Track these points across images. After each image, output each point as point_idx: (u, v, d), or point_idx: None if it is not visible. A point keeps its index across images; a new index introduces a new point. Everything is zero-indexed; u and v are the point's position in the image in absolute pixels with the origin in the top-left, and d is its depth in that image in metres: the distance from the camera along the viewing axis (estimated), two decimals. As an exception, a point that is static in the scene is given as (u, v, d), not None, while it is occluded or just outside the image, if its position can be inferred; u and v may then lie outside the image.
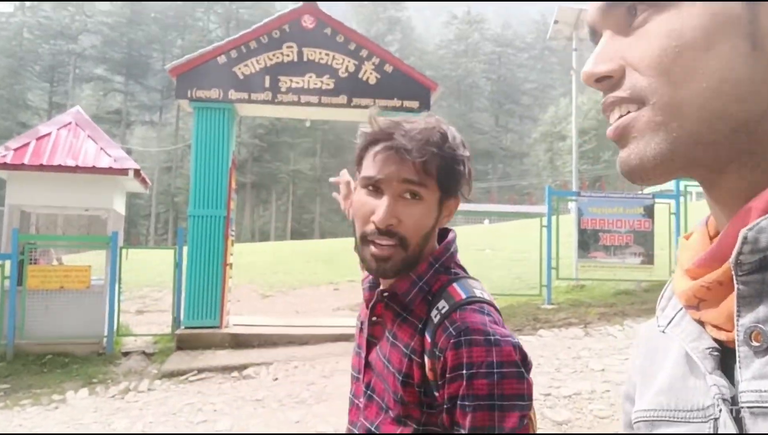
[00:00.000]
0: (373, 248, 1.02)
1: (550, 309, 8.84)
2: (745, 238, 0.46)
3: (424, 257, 1.07)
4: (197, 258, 8.43)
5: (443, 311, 0.99)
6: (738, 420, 0.46)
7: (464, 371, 0.92)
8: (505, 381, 0.92)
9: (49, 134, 8.80)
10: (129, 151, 31.49)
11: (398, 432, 1.01)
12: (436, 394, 0.98)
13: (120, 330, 8.46)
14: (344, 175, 1.60)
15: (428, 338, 0.99)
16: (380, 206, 1.01)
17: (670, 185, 10.52)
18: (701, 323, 0.53)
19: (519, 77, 69.65)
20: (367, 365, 1.11)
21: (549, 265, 9.30)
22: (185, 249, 8.56)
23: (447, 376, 0.94)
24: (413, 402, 1.00)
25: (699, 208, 14.39)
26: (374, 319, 1.12)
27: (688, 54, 0.47)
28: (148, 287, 13.71)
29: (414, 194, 1.02)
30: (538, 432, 1.13)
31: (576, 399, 4.98)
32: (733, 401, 0.47)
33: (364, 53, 9.01)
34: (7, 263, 7.78)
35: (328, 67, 8.93)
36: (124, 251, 8.48)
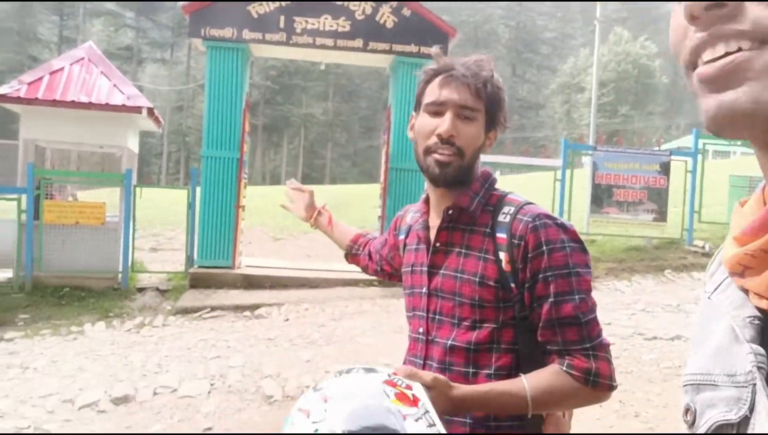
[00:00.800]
0: (436, 156, 1.20)
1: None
2: None
3: (475, 177, 1.27)
4: (210, 199, 8.49)
5: (511, 212, 1.20)
6: None
7: (544, 248, 1.13)
8: (575, 253, 1.15)
9: (62, 69, 8.72)
10: (140, 90, 31.27)
11: (474, 337, 1.17)
12: (512, 285, 1.16)
13: (135, 266, 8.63)
14: (304, 193, 1.80)
15: (501, 235, 1.18)
16: (444, 122, 1.20)
17: (687, 142, 10.34)
18: (745, 291, 0.53)
19: (539, 25, 67.57)
20: (431, 295, 1.25)
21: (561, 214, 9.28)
22: (198, 190, 8.61)
23: (530, 255, 1.14)
24: (490, 301, 1.17)
25: (716, 167, 14.17)
26: (438, 245, 1.26)
27: None
28: (161, 226, 13.88)
29: (468, 115, 1.21)
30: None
31: (581, 350, 5.07)
32: None
33: (382, -5, 8.74)
34: (23, 197, 7.88)
35: (345, 9, 8.70)
36: (137, 190, 8.55)
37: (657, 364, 4.88)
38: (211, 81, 8.58)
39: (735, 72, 0.44)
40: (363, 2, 8.70)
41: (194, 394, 4.35)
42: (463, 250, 1.22)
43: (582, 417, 3.95)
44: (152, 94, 42.97)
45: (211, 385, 4.51)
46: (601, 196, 9.26)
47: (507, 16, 65.00)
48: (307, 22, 8.67)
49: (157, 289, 8.18)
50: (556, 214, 1.19)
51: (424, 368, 1.21)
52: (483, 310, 1.17)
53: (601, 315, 4.67)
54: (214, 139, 8.53)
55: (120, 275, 8.17)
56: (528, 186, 18.50)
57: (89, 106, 8.32)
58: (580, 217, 9.58)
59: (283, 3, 8.60)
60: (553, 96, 56.32)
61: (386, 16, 8.76)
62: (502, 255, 1.17)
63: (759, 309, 0.51)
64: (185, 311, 7.14)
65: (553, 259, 1.12)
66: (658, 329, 5.74)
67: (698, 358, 0.57)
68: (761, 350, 0.49)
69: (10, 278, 7.90)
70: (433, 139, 1.21)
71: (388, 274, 1.61)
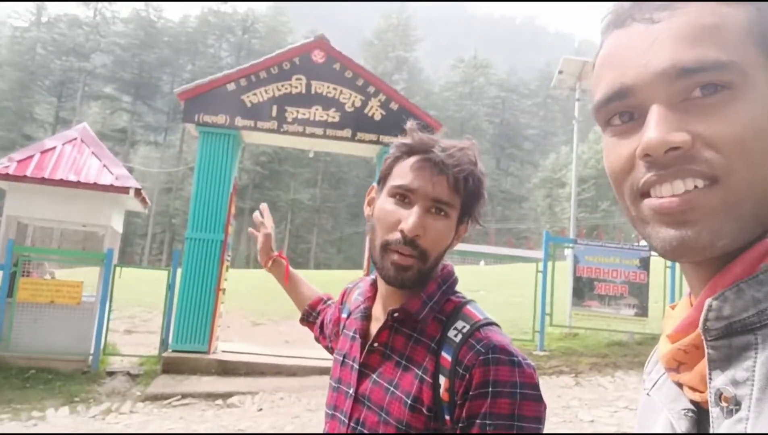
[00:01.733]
0: (395, 256, 1.03)
1: (542, 356, 8.77)
2: (710, 306, 0.50)
3: (431, 277, 1.09)
4: (191, 281, 8.39)
5: (464, 330, 1.01)
6: None
7: (490, 389, 0.94)
8: (526, 402, 0.94)
9: (53, 148, 8.86)
10: (131, 170, 31.66)
11: None
12: (447, 417, 0.97)
13: (107, 349, 8.36)
14: (265, 226, 1.61)
15: (446, 356, 1.00)
16: (411, 216, 1.02)
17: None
18: (680, 386, 0.56)
19: (522, 123, 70.56)
20: (357, 399, 1.07)
21: (543, 311, 9.27)
22: (179, 271, 8.53)
23: (471, 393, 0.95)
24: (419, 429, 0.99)
25: (694, 264, 14.39)
26: (375, 345, 1.09)
27: (764, 138, 0.49)
28: (138, 307, 13.58)
29: (440, 210, 1.04)
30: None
31: (564, 449, 4.90)
32: None
33: (371, 90, 9.16)
34: (0, 273, 7.74)
35: (335, 101, 9.07)
36: (117, 269, 8.44)
37: (642, 466, 4.72)
38: (201, 164, 8.74)
39: (693, 209, 0.50)
40: (353, 94, 9.10)
41: (156, 488, 4.09)
42: (403, 361, 1.05)
43: None
44: (142, 175, 43.48)
45: (176, 479, 4.26)
46: (583, 289, 9.31)
47: (491, 113, 67.95)
48: (298, 111, 9.00)
49: (128, 373, 7.88)
50: (514, 350, 0.99)
51: None
52: None
53: (583, 412, 4.59)
54: (200, 221, 8.57)
55: (91, 358, 7.89)
56: (511, 276, 18.57)
57: (77, 184, 8.38)
58: (561, 310, 9.56)
59: (276, 93, 8.96)
60: (535, 190, 57.87)
61: (375, 108, 9.13)
62: (442, 380, 0.99)
63: (693, 402, 0.54)
64: (155, 398, 6.85)
65: (498, 405, 0.93)
66: (643, 428, 5.60)
67: None
68: None
69: (-25, 358, 7.59)
70: (395, 236, 1.03)
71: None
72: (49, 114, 53.98)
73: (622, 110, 0.55)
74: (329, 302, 1.50)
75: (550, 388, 7.32)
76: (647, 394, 0.63)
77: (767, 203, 0.50)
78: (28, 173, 8.28)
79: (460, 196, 1.05)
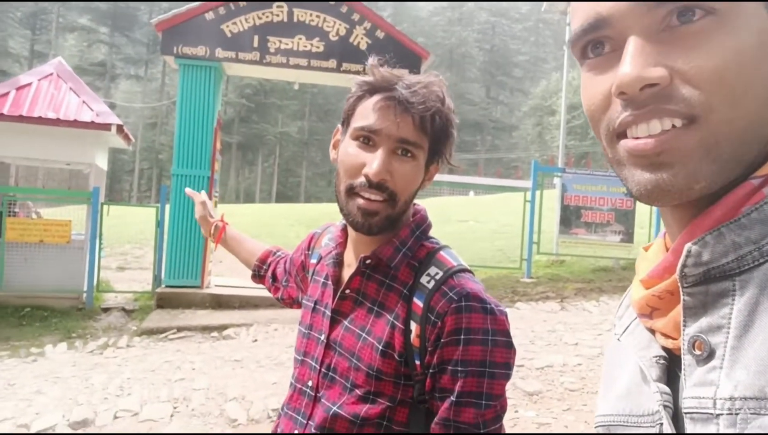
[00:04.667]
0: (360, 201, 0.99)
1: (529, 282, 8.98)
2: (689, 251, 0.48)
3: (404, 222, 1.07)
4: (180, 217, 8.39)
5: (437, 277, 1.00)
6: (680, 425, 0.48)
7: (462, 336, 0.94)
8: (497, 349, 0.95)
9: (29, 84, 8.59)
10: (113, 106, 30.85)
11: (363, 411, 0.99)
12: (417, 362, 0.98)
13: (100, 286, 8.45)
14: (198, 195, 1.61)
15: (419, 303, 0.99)
16: (375, 159, 0.98)
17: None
18: (653, 332, 0.55)
19: (512, 49, 69.01)
20: (329, 345, 1.07)
21: (530, 239, 9.41)
22: (168, 208, 8.51)
23: (443, 340, 0.95)
24: (389, 374, 0.99)
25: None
26: (347, 292, 1.08)
27: (746, 73, 0.45)
28: (129, 244, 13.63)
29: (407, 151, 1.00)
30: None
31: (548, 371, 5.10)
32: (678, 407, 0.49)
33: (355, 17, 8.85)
34: (-15, 215, 7.69)
35: (319, 30, 8.77)
36: (105, 207, 8.40)
37: (622, 385, 4.94)
38: (183, 99, 8.53)
39: (669, 150, 0.46)
40: (337, 23, 8.79)
41: (156, 417, 4.24)
42: (375, 308, 1.03)
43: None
44: (125, 111, 42.54)
45: (174, 408, 4.41)
46: (570, 218, 9.42)
47: (481, 39, 66.25)
48: (280, 42, 8.71)
49: (123, 309, 8.01)
50: (487, 297, 0.99)
51: (304, 430, 1.06)
52: (380, 383, 0.99)
53: (568, 335, 4.73)
54: (185, 157, 8.46)
55: (84, 295, 7.98)
56: (500, 206, 18.73)
57: (57, 122, 8.19)
58: (549, 238, 9.71)
59: (257, 22, 8.64)
60: (525, 118, 57.35)
61: (360, 37, 8.86)
62: (414, 326, 0.98)
63: (665, 349, 0.53)
64: (151, 332, 7.00)
65: (469, 352, 0.93)
66: (624, 349, 5.82)
67: (608, 400, 0.58)
68: (667, 389, 0.51)
69: (-31, 298, 7.67)
70: (360, 179, 0.99)
71: (293, 300, 1.38)
72: (24, 48, 52.04)
73: (598, 42, 0.51)
74: (279, 254, 1.47)
75: (536, 313, 7.54)
76: (618, 339, 0.62)
77: (748, 142, 0.47)
78: (5, 111, 8.06)
79: (427, 135, 1.00)
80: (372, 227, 1.01)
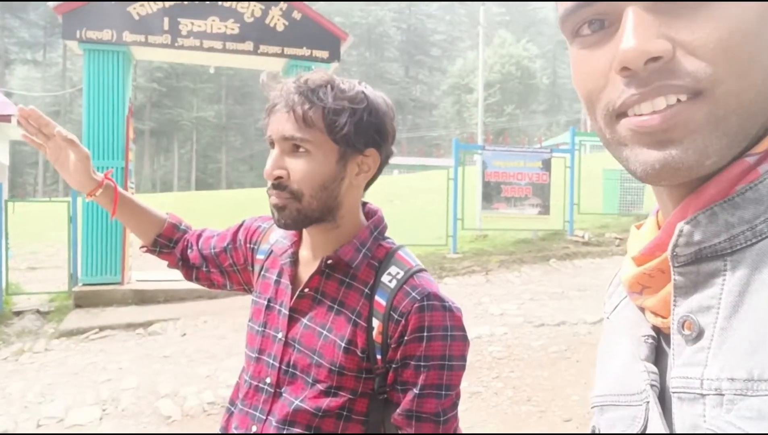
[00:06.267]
0: (272, 198, 1.05)
1: (455, 258, 9.25)
2: (681, 231, 0.47)
3: (352, 221, 1.11)
4: (94, 211, 7.96)
5: (398, 276, 1.06)
6: (667, 404, 0.48)
7: (425, 333, 1.02)
8: (455, 343, 1.04)
9: None
10: (9, 95, 28.56)
11: (325, 404, 1.04)
12: (378, 357, 1.04)
13: (10, 288, 7.91)
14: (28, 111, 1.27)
15: (380, 301, 1.05)
16: (267, 162, 1.04)
17: (566, 138, 11.09)
18: (642, 310, 0.54)
19: (428, 28, 69.69)
20: (287, 344, 1.10)
21: (455, 216, 9.67)
22: (79, 201, 8.06)
23: (406, 337, 1.02)
24: (352, 369, 1.04)
25: (592, 160, 15.39)
26: (306, 290, 1.11)
27: (752, 41, 0.43)
28: (39, 242, 12.81)
29: (297, 147, 1.03)
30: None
31: (477, 342, 5.32)
32: (665, 386, 0.49)
33: (271, -2, 8.64)
34: None
35: (233, 11, 8.50)
36: (9, 205, 7.84)
37: (545, 350, 5.23)
38: (90, 87, 8.05)
39: (677, 125, 0.44)
40: (251, 4, 8.55)
41: (84, 422, 4.08)
42: (336, 306, 1.08)
43: (478, 405, 4.17)
44: (24, 100, 39.53)
45: (103, 410, 4.26)
46: (491, 193, 9.75)
47: (398, 18, 66.45)
48: (193, 24, 8.38)
49: (38, 311, 7.55)
50: (444, 295, 1.07)
51: (263, 425, 1.09)
52: (342, 378, 1.04)
53: (494, 306, 4.94)
54: (96, 148, 8.01)
55: (-8, 299, 7.45)
56: (424, 184, 19.09)
57: (-53, 114, 7.53)
58: (472, 214, 10.02)
59: (167, 4, 8.25)
60: (444, 96, 58.36)
61: (276, 19, 8.66)
62: (376, 323, 1.04)
63: (654, 328, 0.53)
64: (70, 333, 6.65)
65: (431, 347, 1.02)
66: (546, 316, 6.15)
67: (603, 380, 0.59)
68: (653, 368, 0.51)
69: None
70: (268, 182, 1.06)
71: (213, 284, 1.35)
72: None
73: (592, 17, 0.47)
74: (183, 226, 1.39)
75: (463, 287, 7.80)
76: (607, 317, 0.61)
77: (754, 115, 0.45)
78: None
79: (316, 128, 1.01)
80: (286, 221, 1.05)
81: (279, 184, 1.04)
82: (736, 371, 0.41)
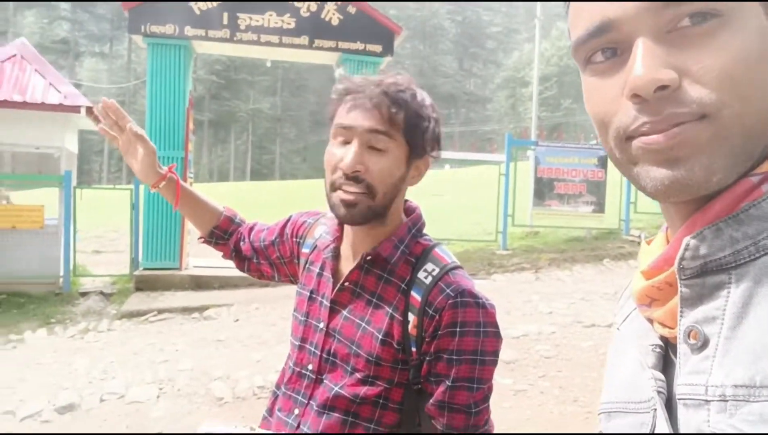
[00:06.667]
0: (341, 193, 1.06)
1: (505, 254, 9.17)
2: (687, 245, 0.49)
3: (395, 219, 1.15)
4: (155, 199, 8.31)
5: (434, 273, 1.09)
6: (674, 411, 0.50)
7: (458, 329, 1.05)
8: (488, 339, 1.07)
9: (-8, 67, 8.35)
10: (78, 86, 29.99)
11: (363, 392, 1.09)
12: (414, 349, 1.08)
13: (77, 270, 8.38)
14: (109, 103, 1.32)
15: (416, 296, 1.09)
16: (348, 153, 1.05)
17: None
18: (651, 322, 0.57)
19: (484, 20, 68.66)
20: (328, 333, 1.15)
21: (505, 212, 9.57)
22: (141, 189, 8.43)
23: (440, 332, 1.05)
24: (388, 360, 1.09)
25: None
26: (346, 284, 1.15)
27: (753, 69, 0.47)
28: (104, 227, 13.47)
29: (380, 145, 1.06)
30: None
31: (524, 340, 5.28)
32: (672, 394, 0.51)
33: (326, -8, 8.75)
34: (-46, 202, 7.53)
35: (289, 6, 8.67)
36: (78, 191, 8.29)
37: (595, 351, 5.14)
38: (153, 79, 8.39)
39: (683, 143, 0.47)
40: (308, 0, 8.69)
41: (143, 399, 4.30)
42: (374, 300, 1.12)
43: (523, 403, 4.15)
44: (92, 91, 41.39)
45: (160, 389, 4.47)
46: (543, 190, 9.59)
47: (453, 11, 65.73)
48: (251, 18, 8.59)
49: (101, 292, 7.97)
50: (478, 292, 1.09)
51: (305, 409, 1.15)
52: (378, 368, 1.09)
53: (543, 304, 4.89)
54: (157, 139, 8.35)
55: (61, 280, 7.92)
56: (475, 179, 18.91)
57: (23, 105, 8.00)
58: (523, 210, 9.88)
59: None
60: (499, 90, 57.48)
61: (331, 13, 8.78)
62: (411, 317, 1.08)
63: (662, 338, 0.56)
64: (131, 315, 7.00)
65: (464, 342, 1.05)
66: (596, 317, 6.03)
67: (611, 388, 0.61)
68: (661, 376, 0.53)
69: (-58, 287, 7.54)
70: (338, 174, 1.06)
71: (262, 274, 1.42)
72: (-19, 26, 49.99)
73: (605, 45, 0.50)
74: (237, 220, 1.46)
75: (512, 284, 7.73)
76: (617, 328, 0.64)
77: (756, 137, 0.48)
78: (-31, 95, 7.85)
79: (397, 128, 1.06)
80: (354, 217, 1.08)
81: (356, 178, 1.05)
82: (739, 378, 0.43)
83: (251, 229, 1.44)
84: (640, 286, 0.55)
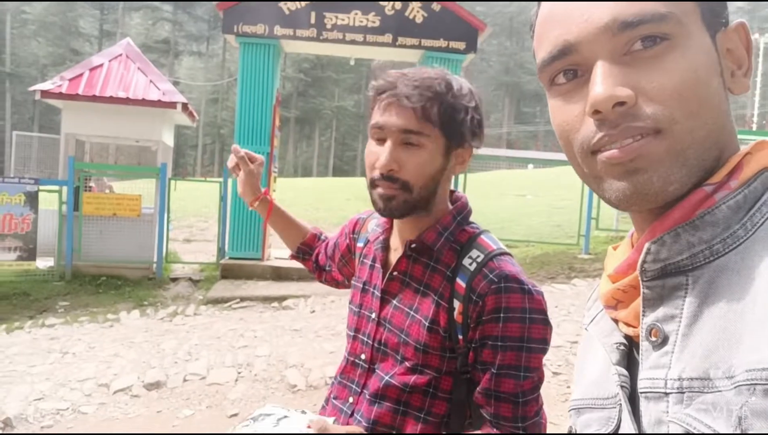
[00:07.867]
0: (379, 189, 1.09)
1: (587, 259, 8.83)
2: (648, 249, 0.53)
3: (440, 208, 1.15)
4: (241, 192, 8.67)
5: (478, 259, 1.08)
6: (637, 405, 0.53)
7: (501, 314, 1.03)
8: (534, 326, 1.04)
9: (101, 65, 9.03)
10: (176, 84, 31.92)
11: (412, 380, 1.10)
12: (460, 336, 1.07)
13: (169, 257, 8.92)
14: (252, 157, 1.51)
15: (462, 283, 1.08)
16: (383, 153, 1.07)
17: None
18: (616, 322, 0.60)
19: (575, 16, 66.26)
20: (380, 323, 1.17)
21: (589, 214, 9.21)
22: (230, 183, 8.83)
23: (484, 318, 1.04)
24: (435, 348, 1.09)
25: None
26: (395, 274, 1.17)
27: (702, 87, 0.51)
28: (194, 217, 14.22)
29: (414, 142, 1.07)
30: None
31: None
32: (635, 388, 0.54)
33: (411, -10, 8.77)
34: (64, 189, 8.22)
35: (374, 5, 8.77)
36: (172, 183, 8.81)
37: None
38: (244, 77, 8.76)
39: (642, 156, 0.51)
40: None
41: (222, 381, 4.52)
42: (422, 288, 1.13)
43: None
44: (188, 88, 43.84)
45: (238, 373, 4.68)
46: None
47: (542, 6, 63.82)
48: (337, 18, 8.77)
49: (190, 279, 8.44)
50: (525, 278, 1.08)
51: (359, 398, 1.17)
52: (427, 356, 1.09)
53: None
54: (246, 134, 8.73)
55: (155, 265, 8.45)
56: (558, 180, 18.32)
57: (127, 101, 8.60)
58: (608, 214, 9.47)
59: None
60: (588, 88, 55.23)
61: (416, 11, 8.80)
62: (457, 304, 1.08)
63: (626, 337, 0.59)
64: (216, 301, 7.37)
65: (509, 328, 1.03)
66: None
67: (580, 386, 0.65)
68: (624, 372, 0.57)
69: (52, 267, 8.26)
70: (376, 172, 1.09)
71: (337, 282, 1.49)
72: (94, 27, 54.16)
73: (566, 68, 0.55)
74: (323, 237, 1.56)
75: (592, 289, 7.43)
76: (585, 329, 0.68)
77: (708, 149, 0.52)
78: (80, 91, 8.53)
79: (432, 123, 1.06)
80: (393, 211, 1.10)
81: (390, 176, 1.07)
82: (695, 371, 0.48)
83: (328, 243, 1.52)
84: (607, 289, 0.59)
